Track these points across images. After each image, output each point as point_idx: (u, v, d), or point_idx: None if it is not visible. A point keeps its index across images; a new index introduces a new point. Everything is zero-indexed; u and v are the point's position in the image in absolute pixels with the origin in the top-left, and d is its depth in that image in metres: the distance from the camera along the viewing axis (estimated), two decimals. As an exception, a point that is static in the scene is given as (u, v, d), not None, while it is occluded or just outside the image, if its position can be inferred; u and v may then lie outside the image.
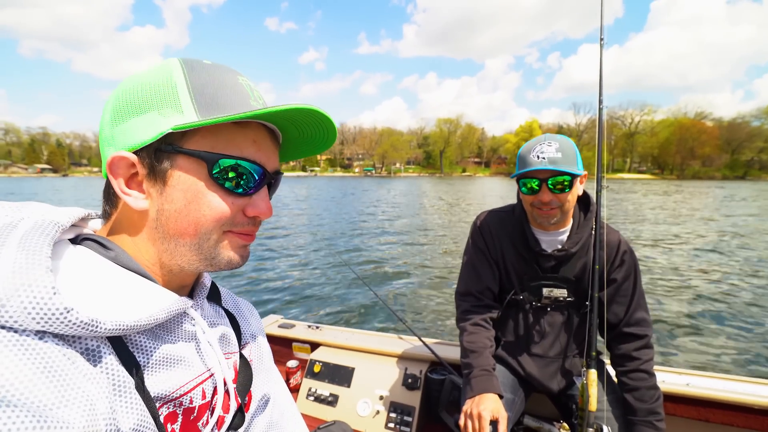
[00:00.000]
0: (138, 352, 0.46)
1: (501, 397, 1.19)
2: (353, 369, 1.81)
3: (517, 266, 1.37)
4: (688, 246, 8.99)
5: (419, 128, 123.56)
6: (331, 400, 1.74)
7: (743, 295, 5.53)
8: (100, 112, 0.52)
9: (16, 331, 0.35)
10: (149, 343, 0.47)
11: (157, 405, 0.47)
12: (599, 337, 1.28)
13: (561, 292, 1.31)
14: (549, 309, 1.36)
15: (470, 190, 36.31)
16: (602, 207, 1.27)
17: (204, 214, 0.48)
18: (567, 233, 1.31)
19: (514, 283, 1.38)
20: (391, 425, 1.61)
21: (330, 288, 5.85)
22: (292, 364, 1.98)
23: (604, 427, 1.15)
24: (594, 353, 1.22)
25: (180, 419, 0.50)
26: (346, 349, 1.95)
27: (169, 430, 0.48)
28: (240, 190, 0.50)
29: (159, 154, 0.47)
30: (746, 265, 7.20)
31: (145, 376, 0.45)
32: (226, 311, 0.68)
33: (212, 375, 0.56)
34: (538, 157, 1.17)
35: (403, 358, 1.84)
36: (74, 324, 0.37)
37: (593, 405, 1.16)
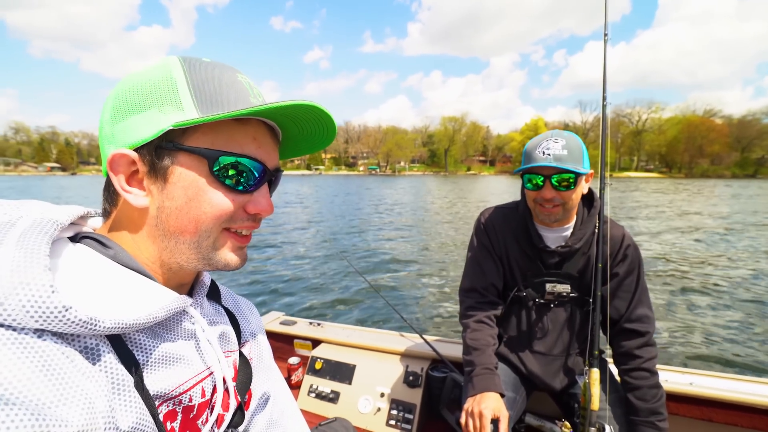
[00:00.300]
0: (137, 351, 0.46)
1: (503, 395, 1.19)
2: (355, 366, 1.81)
3: (521, 262, 1.36)
4: (692, 241, 8.91)
5: (424, 127, 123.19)
6: (333, 397, 1.75)
7: (748, 292, 5.47)
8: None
9: (14, 330, 0.35)
10: (148, 341, 0.47)
11: (157, 403, 0.47)
12: (602, 336, 1.27)
13: (564, 288, 1.30)
14: (552, 306, 1.35)
15: (474, 188, 36.18)
16: (606, 204, 1.26)
17: (204, 212, 0.48)
18: (570, 229, 1.30)
19: (517, 280, 1.38)
20: (392, 422, 1.61)
21: (332, 285, 5.87)
22: (293, 361, 1.99)
23: (607, 427, 1.14)
24: (596, 351, 1.21)
25: (179, 417, 0.50)
26: (347, 346, 1.95)
27: (169, 428, 0.48)
28: (241, 188, 0.50)
29: (160, 152, 0.47)
30: (752, 262, 7.13)
31: (144, 374, 0.45)
32: (226, 309, 0.68)
33: (212, 373, 0.56)
34: (543, 153, 1.16)
35: (404, 355, 1.84)
36: (73, 322, 0.37)
37: (595, 404, 1.16)
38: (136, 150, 0.47)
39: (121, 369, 0.43)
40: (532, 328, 1.38)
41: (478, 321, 1.34)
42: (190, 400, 0.52)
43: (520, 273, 1.37)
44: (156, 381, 0.47)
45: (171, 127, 0.45)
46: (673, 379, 1.47)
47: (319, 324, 2.14)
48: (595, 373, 1.18)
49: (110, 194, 0.51)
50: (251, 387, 0.66)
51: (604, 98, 1.33)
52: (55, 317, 0.36)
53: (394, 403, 1.65)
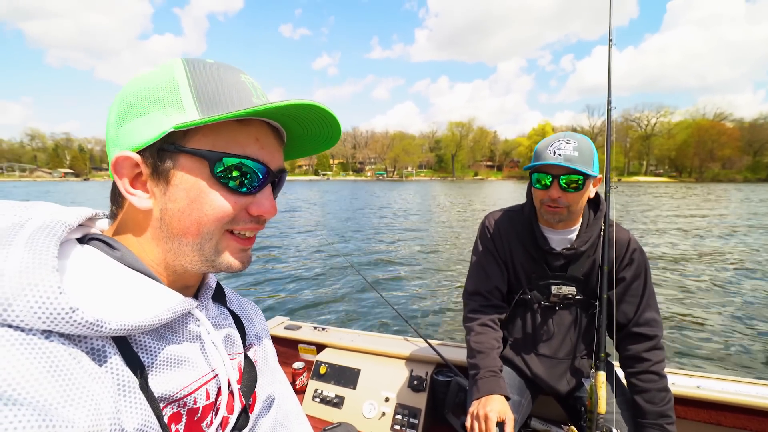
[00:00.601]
0: (142, 353, 0.46)
1: (508, 398, 1.18)
2: (359, 371, 1.81)
3: (526, 265, 1.35)
4: (699, 245, 8.75)
5: (431, 132, 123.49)
6: (337, 402, 1.74)
7: (757, 295, 5.37)
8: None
9: (22, 331, 0.35)
10: (154, 343, 0.47)
11: (161, 405, 0.47)
12: (608, 338, 1.26)
13: (570, 290, 1.30)
14: (557, 308, 1.34)
15: (481, 193, 36.04)
16: (611, 207, 1.25)
17: (206, 213, 0.48)
18: (576, 232, 1.29)
19: (522, 283, 1.37)
20: (397, 427, 1.60)
21: (336, 289, 5.87)
22: (298, 365, 1.99)
23: (614, 430, 1.13)
24: (603, 354, 1.20)
25: (184, 420, 0.50)
26: (352, 350, 1.95)
27: (173, 430, 0.48)
28: (243, 189, 0.49)
29: (162, 154, 0.47)
30: (762, 265, 6.99)
31: (149, 376, 0.46)
32: (231, 312, 0.68)
33: (216, 376, 0.56)
34: (554, 153, 1.16)
35: (408, 359, 1.84)
36: (79, 324, 0.37)
37: (602, 407, 1.14)
38: (139, 152, 0.47)
39: (127, 371, 0.43)
40: (538, 330, 1.37)
41: (482, 324, 1.34)
42: (195, 402, 0.51)
43: (525, 275, 1.36)
44: (161, 383, 0.47)
45: (172, 129, 0.45)
46: (680, 382, 1.45)
47: (323, 329, 2.14)
48: (602, 376, 1.17)
49: (116, 196, 0.52)
50: (256, 390, 0.65)
51: (609, 102, 1.34)
52: (62, 318, 0.36)
53: (399, 408, 1.64)
